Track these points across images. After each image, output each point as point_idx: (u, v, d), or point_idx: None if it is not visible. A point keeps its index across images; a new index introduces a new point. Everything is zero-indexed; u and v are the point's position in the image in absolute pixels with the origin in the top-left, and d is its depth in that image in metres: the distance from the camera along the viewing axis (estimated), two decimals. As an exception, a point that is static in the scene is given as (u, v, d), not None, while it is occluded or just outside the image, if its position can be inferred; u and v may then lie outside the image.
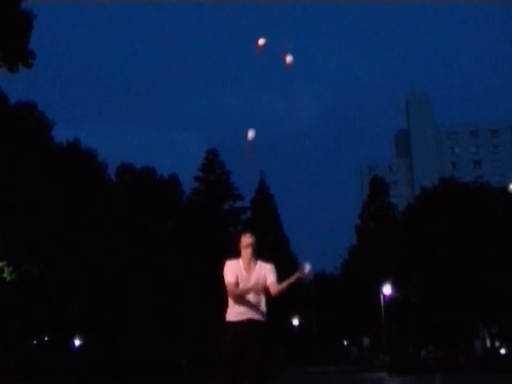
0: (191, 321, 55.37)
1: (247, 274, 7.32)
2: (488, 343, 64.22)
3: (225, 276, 7.28)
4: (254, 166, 9.25)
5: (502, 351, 63.48)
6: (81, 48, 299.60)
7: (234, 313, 7.18)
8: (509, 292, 52.84)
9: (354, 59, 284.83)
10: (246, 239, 7.44)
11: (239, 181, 72.33)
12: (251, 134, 8.80)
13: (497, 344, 64.12)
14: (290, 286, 7.34)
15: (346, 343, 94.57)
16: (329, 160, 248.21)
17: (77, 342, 59.24)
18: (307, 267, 7.36)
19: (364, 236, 74.45)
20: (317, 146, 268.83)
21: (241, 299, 7.21)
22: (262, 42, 9.58)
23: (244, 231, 7.59)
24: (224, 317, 7.32)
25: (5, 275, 38.87)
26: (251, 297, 7.24)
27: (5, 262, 38.80)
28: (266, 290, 7.39)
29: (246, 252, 7.40)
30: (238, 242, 7.50)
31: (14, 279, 39.58)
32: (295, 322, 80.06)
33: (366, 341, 69.91)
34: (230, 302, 7.26)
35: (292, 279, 7.26)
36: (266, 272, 7.41)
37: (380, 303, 59.39)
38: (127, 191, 57.49)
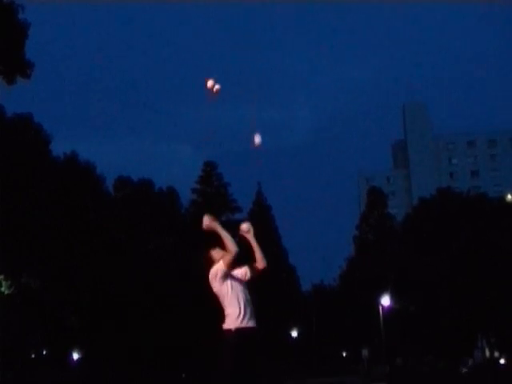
0: (191, 333, 55.29)
1: None
2: (487, 353, 64.07)
3: (218, 269, 7.28)
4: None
5: (502, 361, 63.30)
6: (77, 60, 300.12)
7: (240, 320, 7.14)
8: (508, 302, 52.78)
9: (351, 70, 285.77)
10: (218, 253, 7.48)
11: (237, 192, 72.41)
12: (258, 139, 8.83)
13: (496, 354, 63.95)
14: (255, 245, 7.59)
15: (344, 354, 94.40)
16: (326, 171, 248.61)
17: (75, 356, 59.03)
18: (245, 225, 7.77)
19: (362, 247, 74.43)
20: (314, 157, 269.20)
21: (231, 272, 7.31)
22: (210, 84, 8.83)
23: (211, 248, 7.61)
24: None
25: (2, 289, 38.73)
26: (249, 307, 7.28)
27: (2, 276, 38.67)
28: (254, 276, 7.57)
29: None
30: (209, 259, 7.53)
31: (12, 293, 39.44)
32: (294, 333, 79.92)
33: (364, 352, 69.73)
34: (233, 308, 7.21)
35: (253, 242, 7.60)
36: (242, 269, 7.59)
37: (379, 314, 59.27)
38: (125, 204, 57.43)
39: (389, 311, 59.63)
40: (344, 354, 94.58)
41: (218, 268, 7.24)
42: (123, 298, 50.10)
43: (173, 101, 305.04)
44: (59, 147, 49.17)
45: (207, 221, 7.40)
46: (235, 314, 7.16)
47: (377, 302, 59.45)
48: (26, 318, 43.63)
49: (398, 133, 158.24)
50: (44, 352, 56.55)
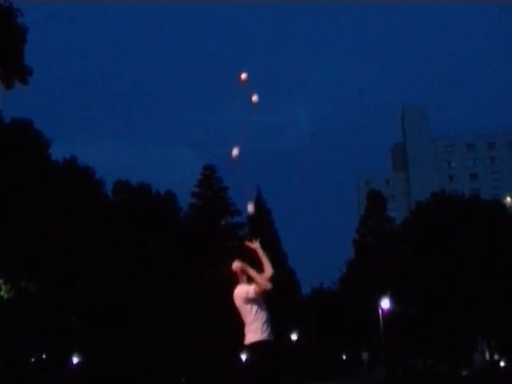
0: (191, 336, 55.30)
1: None
2: (487, 356, 64.04)
3: (249, 293, 7.89)
4: (247, 177, 9.72)
5: (502, 364, 63.26)
6: (76, 64, 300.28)
7: (263, 332, 7.87)
8: (508, 304, 52.76)
9: (351, 74, 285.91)
10: (237, 264, 8.22)
11: (236, 196, 72.34)
12: (236, 151, 9.29)
13: (496, 357, 63.91)
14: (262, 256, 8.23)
15: (344, 357, 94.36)
16: (325, 174, 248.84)
17: (75, 360, 58.97)
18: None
19: (362, 250, 74.38)
20: (314, 160, 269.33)
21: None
22: (244, 76, 9.76)
23: (231, 259, 8.30)
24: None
25: (2, 293, 38.73)
26: (269, 322, 7.99)
27: (2, 280, 38.66)
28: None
29: (245, 275, 8.15)
30: (230, 269, 8.18)
31: (11, 297, 39.43)
32: (294, 336, 79.87)
33: (364, 355, 69.64)
34: (257, 324, 7.88)
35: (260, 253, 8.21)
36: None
37: (379, 317, 59.25)
38: (124, 208, 57.49)
39: (389, 314, 59.61)
40: (344, 357, 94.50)
41: (249, 292, 7.90)
42: (123, 299, 50.15)
43: (173, 105, 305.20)
44: (58, 152, 49.28)
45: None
46: (259, 329, 7.83)
47: (376, 305, 59.44)
48: (25, 320, 43.64)
49: (397, 136, 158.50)
50: (44, 356, 56.54)
